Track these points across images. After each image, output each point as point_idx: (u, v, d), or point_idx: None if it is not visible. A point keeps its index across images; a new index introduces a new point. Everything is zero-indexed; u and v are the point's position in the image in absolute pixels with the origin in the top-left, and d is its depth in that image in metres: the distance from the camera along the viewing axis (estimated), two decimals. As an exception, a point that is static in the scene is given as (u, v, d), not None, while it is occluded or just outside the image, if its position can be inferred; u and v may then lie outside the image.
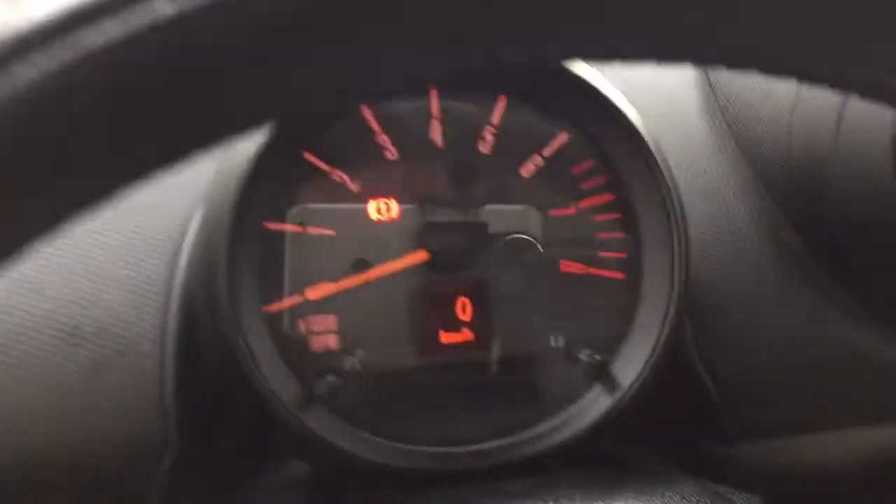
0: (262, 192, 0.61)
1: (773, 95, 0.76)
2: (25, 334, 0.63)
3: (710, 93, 0.84)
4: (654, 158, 0.64)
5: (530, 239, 0.67)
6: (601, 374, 0.66)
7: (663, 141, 0.77)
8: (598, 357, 0.65)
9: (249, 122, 0.26)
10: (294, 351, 0.64)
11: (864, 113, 0.68)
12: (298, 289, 0.64)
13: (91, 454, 0.63)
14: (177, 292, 0.66)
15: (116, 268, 0.66)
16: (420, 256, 0.65)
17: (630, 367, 0.65)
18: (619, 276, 0.68)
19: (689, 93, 0.83)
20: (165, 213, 0.69)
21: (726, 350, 0.73)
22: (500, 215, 0.67)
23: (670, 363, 0.70)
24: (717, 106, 0.82)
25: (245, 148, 0.60)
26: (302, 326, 0.64)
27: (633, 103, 0.78)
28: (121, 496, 0.64)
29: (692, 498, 0.58)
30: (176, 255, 0.68)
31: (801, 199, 0.74)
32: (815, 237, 0.75)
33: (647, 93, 0.81)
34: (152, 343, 0.65)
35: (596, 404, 0.65)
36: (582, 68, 0.66)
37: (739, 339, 0.72)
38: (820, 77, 0.31)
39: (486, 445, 0.65)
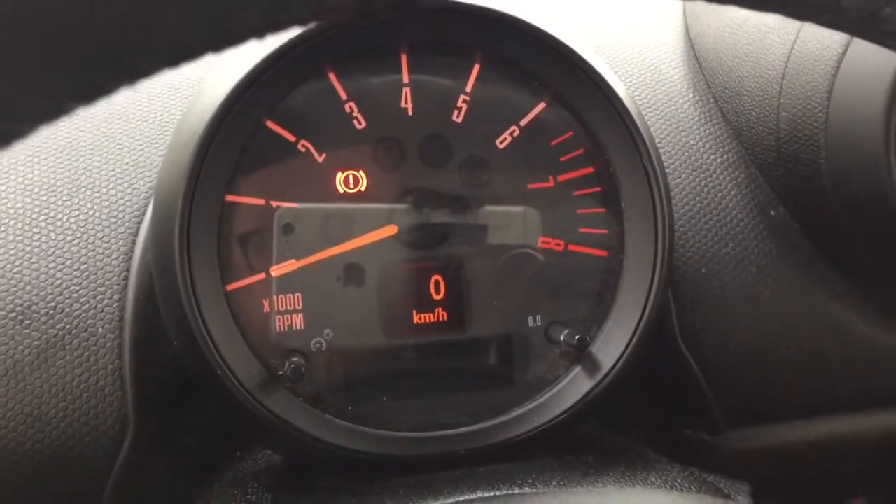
0: (219, 162, 0.57)
1: (760, 67, 0.73)
2: (-26, 315, 0.60)
3: (697, 66, 0.80)
4: (638, 130, 0.61)
5: (509, 214, 0.64)
6: (581, 356, 0.63)
7: (648, 114, 0.74)
8: (577, 337, 0.61)
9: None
10: (257, 331, 0.61)
11: (855, 82, 0.65)
12: (261, 266, 0.61)
13: (46, 436, 0.60)
14: (136, 270, 0.63)
15: (72, 247, 0.63)
16: (389, 231, 0.61)
17: (611, 348, 0.62)
18: (600, 253, 0.65)
19: (676, 66, 0.80)
20: (126, 189, 0.66)
21: (712, 332, 0.70)
22: (474, 188, 0.63)
23: (654, 345, 0.67)
24: (703, 79, 0.79)
25: (200, 114, 0.56)
26: (265, 305, 0.61)
27: (617, 75, 0.75)
28: (78, 479, 0.61)
29: (675, 483, 0.55)
30: (136, 232, 0.65)
31: (791, 173, 0.70)
32: (806, 214, 0.72)
33: (632, 66, 0.78)
34: (109, 323, 0.62)
35: (575, 387, 0.62)
36: (563, 34, 0.62)
37: (726, 320, 0.69)
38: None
39: (459, 430, 0.62)
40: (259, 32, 0.25)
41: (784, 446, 0.76)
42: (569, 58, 0.61)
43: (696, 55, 0.81)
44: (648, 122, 0.73)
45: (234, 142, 0.58)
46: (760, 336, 0.70)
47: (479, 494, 0.47)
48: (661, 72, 0.79)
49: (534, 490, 0.46)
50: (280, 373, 0.58)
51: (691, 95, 0.77)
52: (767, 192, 0.73)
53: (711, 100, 0.77)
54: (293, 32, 0.57)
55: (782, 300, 0.70)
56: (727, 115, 0.76)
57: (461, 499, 0.44)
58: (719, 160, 0.73)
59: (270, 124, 0.60)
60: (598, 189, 0.65)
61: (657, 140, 0.73)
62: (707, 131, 0.75)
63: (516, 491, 0.45)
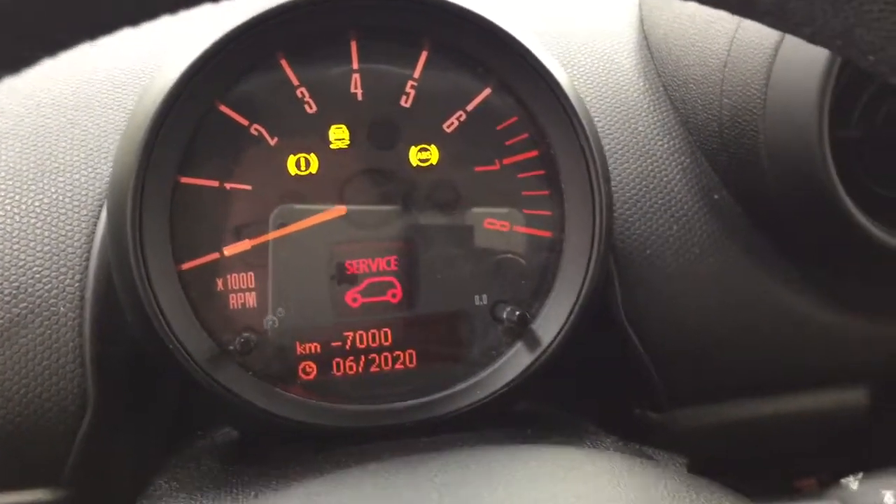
0: (171, 144, 0.60)
1: (705, 56, 0.75)
2: (-61, 294, 0.62)
3: (649, 55, 0.83)
4: (577, 115, 0.63)
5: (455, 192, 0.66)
6: (522, 332, 0.65)
7: (598, 101, 0.76)
8: (518, 314, 0.63)
9: None
10: (210, 308, 0.63)
11: (791, 69, 0.67)
12: (215, 245, 0.63)
13: (9, 412, 0.62)
14: (96, 251, 0.65)
15: (36, 229, 0.65)
16: (338, 212, 0.64)
17: (551, 324, 0.64)
18: (544, 233, 0.67)
19: (628, 55, 0.82)
20: (90, 174, 0.68)
21: (656, 311, 0.72)
22: (423, 171, 0.66)
23: (599, 324, 0.70)
24: (654, 68, 0.82)
25: (152, 98, 0.58)
26: (219, 284, 0.63)
27: (568, 64, 0.78)
28: (40, 455, 0.63)
29: (610, 451, 0.57)
30: (97, 215, 0.67)
31: (733, 157, 0.73)
32: (747, 197, 0.75)
33: (583, 53, 0.81)
34: (71, 302, 0.64)
35: (516, 362, 0.64)
36: (507, 22, 0.65)
37: (669, 300, 0.72)
38: None
39: (406, 403, 0.64)
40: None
41: (731, 425, 0.78)
42: (511, 46, 0.64)
43: (648, 45, 0.84)
44: (598, 109, 0.76)
45: (185, 125, 0.60)
46: (702, 315, 0.72)
47: (414, 457, 0.49)
48: (613, 60, 0.81)
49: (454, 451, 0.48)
50: (231, 347, 0.61)
51: (641, 84, 0.80)
52: (712, 176, 0.75)
53: (661, 88, 0.80)
54: (244, 17, 0.60)
55: (724, 280, 0.72)
56: (675, 102, 0.78)
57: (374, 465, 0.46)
58: (666, 146, 0.76)
59: (224, 108, 0.62)
60: (541, 172, 0.67)
61: (605, 126, 0.75)
62: (655, 118, 0.77)
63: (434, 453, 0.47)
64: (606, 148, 0.74)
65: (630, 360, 0.73)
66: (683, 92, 0.78)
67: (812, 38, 0.32)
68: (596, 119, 0.76)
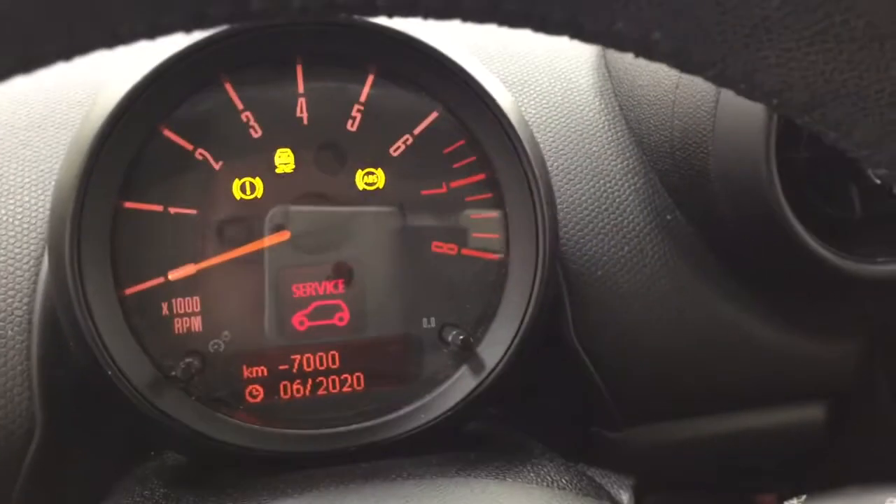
0: (112, 168, 0.60)
1: (658, 77, 0.76)
2: None
3: (606, 73, 0.83)
4: (520, 139, 0.64)
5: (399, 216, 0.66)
6: (468, 356, 0.65)
7: (552, 120, 0.77)
8: (461, 338, 0.63)
9: None
10: (154, 334, 0.63)
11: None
12: (160, 270, 0.63)
13: None
14: (44, 274, 0.65)
15: (-16, 251, 0.65)
16: (282, 236, 0.64)
17: (496, 348, 0.65)
18: (492, 256, 0.67)
19: (586, 75, 0.83)
20: (40, 196, 0.68)
21: (607, 331, 0.72)
22: (369, 194, 0.66)
23: (550, 345, 0.70)
24: (611, 88, 0.82)
25: (92, 121, 0.58)
26: (164, 308, 0.63)
27: (524, 83, 0.78)
28: None
29: (548, 477, 0.57)
30: (46, 237, 0.67)
31: (685, 178, 0.73)
32: (699, 218, 0.75)
33: (541, 72, 0.81)
34: (19, 326, 0.64)
35: (461, 385, 0.65)
36: (449, 48, 0.65)
37: (620, 320, 0.72)
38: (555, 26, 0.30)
39: (349, 427, 0.64)
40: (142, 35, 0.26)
41: (687, 443, 0.79)
42: (454, 72, 0.64)
43: (606, 64, 0.84)
44: (552, 129, 0.76)
45: (126, 148, 0.60)
46: (655, 335, 0.72)
47: (347, 486, 0.49)
48: (571, 80, 0.81)
49: (390, 483, 0.48)
50: (173, 373, 0.61)
51: (597, 103, 0.80)
52: (665, 197, 0.75)
53: (617, 108, 0.80)
54: (187, 41, 0.60)
55: (675, 300, 0.72)
56: (630, 122, 0.79)
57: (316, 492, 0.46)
58: (620, 166, 0.76)
59: (167, 133, 0.62)
60: (489, 195, 0.67)
61: (559, 146, 0.75)
62: (610, 138, 0.77)
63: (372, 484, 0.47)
64: (559, 167, 0.74)
65: (583, 380, 0.73)
66: (638, 112, 0.78)
67: (716, 81, 0.32)
68: (549, 138, 0.76)
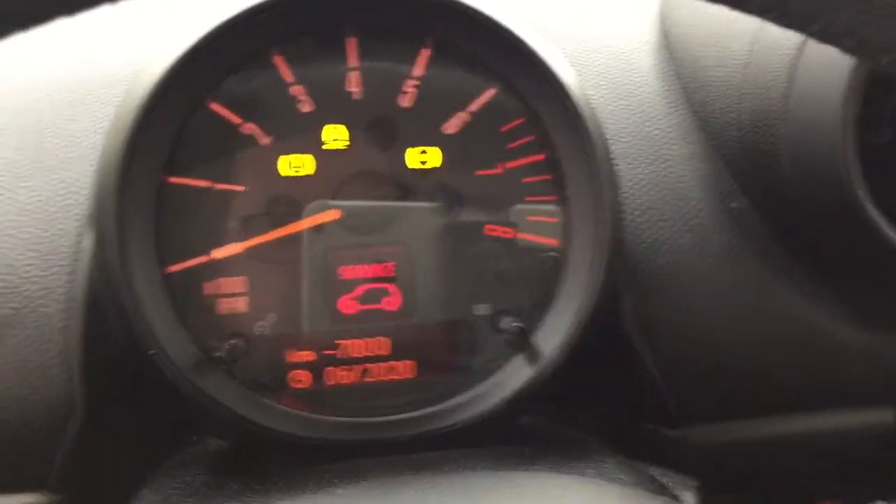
0: (157, 142, 0.58)
1: (725, 56, 0.72)
2: (-73, 292, 0.60)
3: (667, 55, 0.79)
4: (582, 117, 0.60)
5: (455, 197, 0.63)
6: (523, 345, 0.62)
7: (611, 103, 0.73)
8: (517, 326, 0.60)
9: None
10: (197, 313, 0.61)
11: (815, 70, 0.64)
12: (204, 248, 0.61)
13: None
14: (86, 251, 0.63)
15: (27, 227, 0.64)
16: (331, 215, 0.61)
17: (553, 336, 0.61)
18: (548, 241, 0.64)
19: (646, 56, 0.79)
20: (83, 172, 0.66)
21: (667, 323, 0.69)
22: (421, 174, 0.63)
23: (607, 336, 0.67)
24: (672, 68, 0.78)
25: (136, 94, 0.56)
26: (207, 288, 0.61)
27: (581, 64, 0.74)
28: (26, 459, 0.62)
29: (614, 472, 0.54)
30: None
31: (753, 163, 0.69)
32: (767, 206, 0.71)
33: (599, 53, 0.77)
34: (60, 304, 0.62)
35: (516, 375, 0.62)
36: (512, 21, 0.62)
37: (681, 311, 0.68)
38: None
39: (399, 417, 0.61)
40: None
41: (747, 443, 0.75)
42: (516, 45, 0.61)
43: (668, 45, 0.80)
44: (611, 111, 0.73)
45: (171, 121, 0.58)
46: (717, 328, 0.69)
47: (399, 478, 0.46)
48: (630, 61, 0.78)
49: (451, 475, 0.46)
50: (217, 354, 0.58)
51: (659, 85, 0.76)
52: (730, 183, 0.72)
53: (679, 90, 0.76)
54: (235, 11, 0.57)
55: (740, 292, 0.69)
56: (694, 105, 0.75)
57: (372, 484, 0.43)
58: (682, 151, 0.72)
59: (214, 106, 0.60)
60: (547, 177, 0.64)
61: (618, 129, 0.72)
62: (672, 122, 0.74)
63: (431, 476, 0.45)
64: (618, 151, 0.71)
65: (640, 374, 0.69)
66: (702, 94, 0.74)
67: (820, 37, 0.29)
68: (608, 121, 0.72)
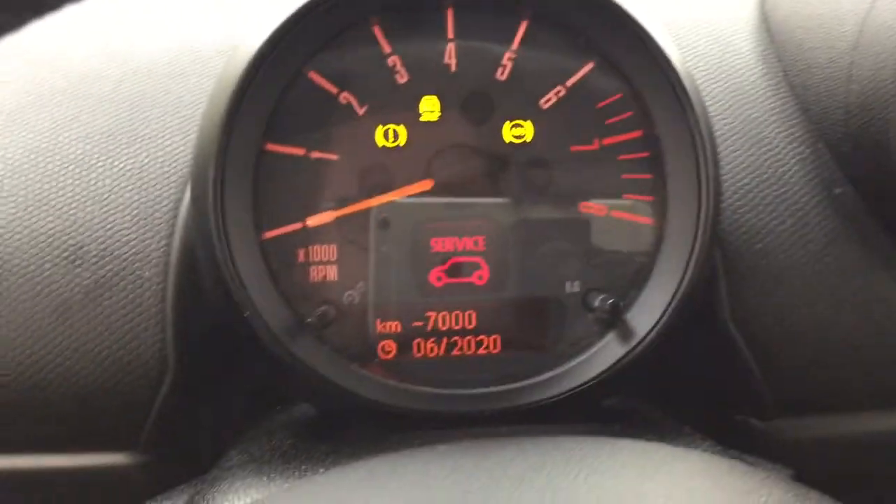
0: (256, 109, 0.58)
1: (832, 37, 0.69)
2: (30, 253, 0.62)
3: (768, 37, 0.77)
4: (687, 91, 0.59)
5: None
6: (615, 323, 0.61)
7: (712, 85, 0.71)
8: (610, 302, 0.59)
9: None
10: (290, 279, 0.61)
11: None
12: (299, 215, 0.61)
13: (90, 373, 0.62)
14: (183, 217, 0.64)
15: (126, 193, 0.65)
16: (425, 185, 0.61)
17: (647, 315, 0.60)
18: (644, 220, 0.63)
19: (746, 38, 0.77)
20: (181, 141, 0.68)
21: (764, 311, 0.66)
22: (516, 148, 0.62)
23: (700, 321, 0.65)
24: (774, 52, 0.76)
25: (238, 61, 0.57)
26: (301, 255, 0.61)
27: (679, 45, 0.73)
28: (118, 418, 0.63)
29: (708, 453, 0.52)
30: (186, 181, 0.66)
31: (860, 148, 0.67)
32: (874, 193, 0.68)
33: (697, 35, 0.76)
34: (156, 267, 0.63)
35: (607, 353, 0.60)
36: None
37: (779, 299, 0.66)
38: None
39: (487, 390, 0.60)
40: None
41: (845, 439, 0.72)
42: (620, 18, 0.60)
43: (768, 27, 0.78)
44: (710, 93, 0.71)
45: (271, 90, 0.58)
46: (816, 318, 0.66)
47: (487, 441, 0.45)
48: (731, 43, 0.76)
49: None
50: (309, 320, 0.59)
51: (759, 68, 0.74)
52: (833, 169, 0.69)
53: (780, 73, 0.74)
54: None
55: (842, 282, 0.66)
56: (796, 88, 0.73)
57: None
58: (783, 134, 0.70)
59: (313, 75, 0.60)
60: (644, 154, 0.63)
61: (717, 111, 0.70)
62: (773, 105, 0.72)
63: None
64: (718, 133, 0.69)
65: (734, 362, 0.67)
66: (805, 77, 0.72)
67: None
68: (707, 103, 0.70)
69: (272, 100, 0.59)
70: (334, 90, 0.61)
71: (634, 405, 0.68)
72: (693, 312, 0.61)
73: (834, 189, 0.69)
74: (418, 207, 0.61)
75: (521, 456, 0.39)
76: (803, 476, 0.65)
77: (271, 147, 0.60)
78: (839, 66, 0.68)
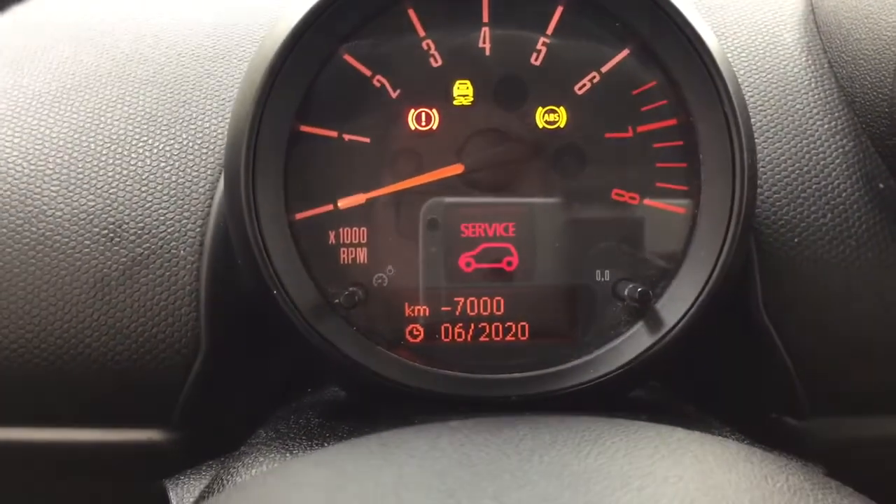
0: (290, 90, 0.59)
1: (880, 28, 0.67)
2: (71, 230, 0.64)
3: (814, 29, 0.75)
4: (724, 79, 0.58)
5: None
6: (644, 312, 0.60)
7: (752, 75, 0.70)
8: (640, 291, 0.58)
9: None
10: (320, 260, 0.62)
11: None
12: (330, 197, 0.62)
13: (126, 349, 0.63)
14: (219, 197, 0.65)
15: (164, 173, 0.66)
16: (455, 169, 0.61)
17: (677, 305, 0.59)
18: (677, 209, 0.62)
19: (791, 29, 0.75)
20: (220, 123, 0.68)
21: (801, 307, 0.65)
22: (549, 133, 0.62)
23: (734, 315, 0.64)
24: (820, 44, 0.74)
25: (271, 42, 0.58)
26: (331, 236, 0.62)
27: (723, 36, 0.72)
28: (152, 394, 0.64)
29: (729, 440, 0.51)
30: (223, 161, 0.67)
31: (905, 143, 0.65)
32: (919, 189, 0.66)
33: (741, 25, 0.74)
34: (191, 246, 0.64)
35: (636, 342, 0.60)
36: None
37: (817, 295, 0.65)
38: None
39: (512, 375, 0.60)
40: None
41: (881, 442, 0.70)
42: (657, 4, 0.59)
43: (815, 19, 0.76)
44: (752, 84, 0.70)
45: (305, 70, 0.59)
46: (854, 315, 0.64)
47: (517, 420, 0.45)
48: (775, 34, 0.75)
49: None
50: (336, 301, 0.59)
51: (804, 59, 0.73)
52: (878, 163, 0.67)
53: (826, 65, 0.72)
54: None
55: (882, 279, 0.64)
56: (841, 80, 0.71)
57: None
58: (826, 127, 0.68)
59: (347, 57, 0.61)
60: (679, 143, 0.62)
61: (758, 102, 0.69)
62: (817, 96, 0.70)
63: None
64: (757, 124, 0.68)
65: (768, 357, 0.66)
66: (851, 69, 0.70)
67: None
68: (749, 94, 0.69)
69: (306, 81, 0.59)
70: (368, 73, 0.61)
71: (660, 397, 0.67)
72: (724, 304, 0.60)
73: (878, 183, 0.67)
74: (449, 192, 0.61)
75: (533, 433, 0.39)
76: (837, 477, 0.63)
77: (304, 128, 0.61)
78: (886, 56, 0.66)
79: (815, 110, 0.69)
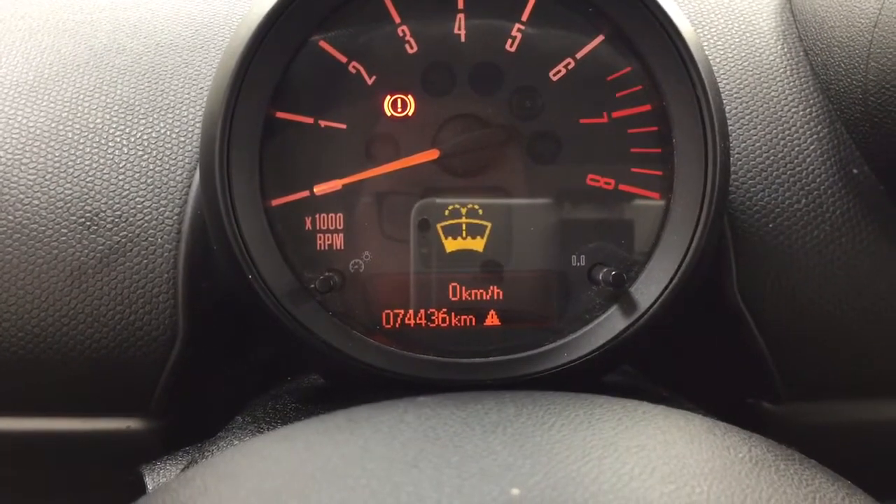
0: (264, 76, 0.59)
1: (853, 15, 0.68)
2: (48, 218, 0.64)
3: (790, 17, 0.76)
4: (696, 65, 0.58)
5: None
6: (618, 295, 0.60)
7: (728, 62, 0.71)
8: (614, 274, 0.59)
9: None
10: (296, 247, 0.62)
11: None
12: (306, 184, 0.62)
13: (103, 336, 0.63)
14: (196, 185, 0.65)
15: (142, 162, 0.66)
16: (430, 155, 0.61)
17: (650, 288, 0.59)
18: (650, 194, 0.62)
19: (768, 17, 0.76)
20: (198, 112, 0.69)
21: (775, 291, 0.65)
22: (524, 119, 0.62)
23: (710, 300, 0.64)
24: (796, 32, 0.75)
25: (245, 28, 0.58)
26: (308, 223, 0.62)
27: (700, 24, 0.72)
28: (129, 381, 0.64)
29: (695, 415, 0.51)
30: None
31: (878, 128, 0.65)
32: (892, 174, 0.67)
33: (718, 14, 0.75)
34: (168, 234, 0.64)
35: (610, 325, 0.60)
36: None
37: (791, 279, 0.65)
38: None
39: (487, 359, 0.60)
40: None
41: (857, 427, 0.70)
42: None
43: (791, 7, 0.77)
44: (728, 71, 0.70)
45: (279, 56, 0.59)
46: (829, 300, 0.65)
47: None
48: (751, 22, 0.75)
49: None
50: (312, 286, 0.59)
51: (780, 47, 0.73)
52: (852, 149, 0.68)
53: (801, 53, 0.73)
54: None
55: (856, 263, 0.65)
56: (816, 68, 0.71)
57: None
58: (801, 114, 0.69)
59: (322, 43, 0.61)
60: (654, 129, 0.62)
61: (734, 89, 0.69)
62: (792, 84, 0.71)
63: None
64: (734, 112, 0.68)
65: (744, 343, 0.66)
66: (826, 56, 0.71)
67: None
68: (725, 81, 0.70)
69: (280, 67, 0.60)
70: (344, 59, 0.61)
71: (635, 381, 0.67)
72: (698, 288, 0.60)
73: (852, 169, 0.67)
74: (424, 177, 0.62)
75: (499, 407, 0.39)
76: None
77: (279, 115, 0.61)
78: (859, 44, 0.67)
79: (790, 97, 0.70)
